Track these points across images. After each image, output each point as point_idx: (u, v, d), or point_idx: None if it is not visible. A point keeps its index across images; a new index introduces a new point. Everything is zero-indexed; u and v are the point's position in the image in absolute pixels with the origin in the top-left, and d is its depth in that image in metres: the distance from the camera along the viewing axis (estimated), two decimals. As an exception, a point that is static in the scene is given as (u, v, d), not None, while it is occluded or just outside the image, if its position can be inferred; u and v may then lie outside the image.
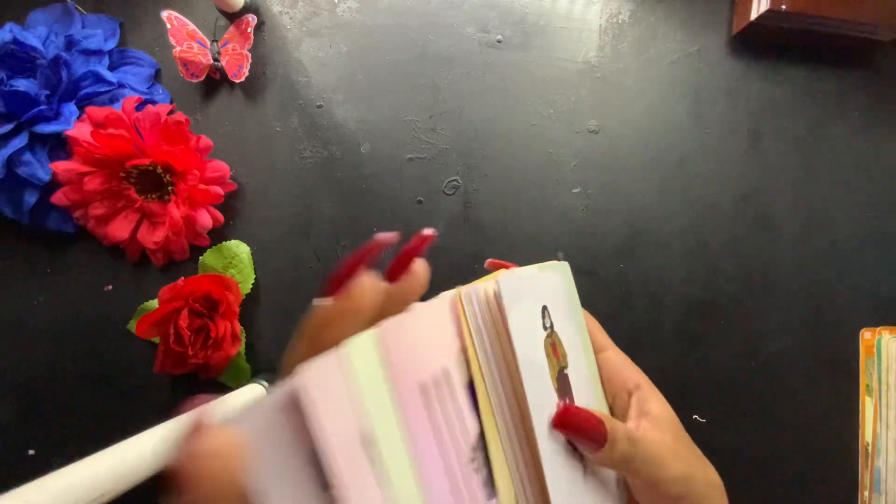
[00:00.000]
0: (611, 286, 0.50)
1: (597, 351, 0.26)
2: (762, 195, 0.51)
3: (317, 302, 0.15)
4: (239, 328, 0.45)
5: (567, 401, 0.21)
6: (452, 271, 0.49)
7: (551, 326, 0.23)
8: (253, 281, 0.47)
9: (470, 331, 0.19)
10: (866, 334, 0.51)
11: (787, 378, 0.51)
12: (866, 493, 0.50)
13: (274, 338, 0.47)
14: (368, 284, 0.15)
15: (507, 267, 0.26)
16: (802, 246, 0.52)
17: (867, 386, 0.51)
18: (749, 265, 0.51)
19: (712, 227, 0.51)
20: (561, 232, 0.50)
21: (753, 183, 0.51)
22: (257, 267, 0.47)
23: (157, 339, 0.44)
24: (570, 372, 0.24)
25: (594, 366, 0.26)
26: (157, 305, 0.43)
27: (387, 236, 0.17)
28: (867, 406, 0.51)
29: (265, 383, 0.44)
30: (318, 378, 0.13)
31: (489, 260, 0.27)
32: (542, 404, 0.20)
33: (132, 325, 0.46)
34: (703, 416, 0.50)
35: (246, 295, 0.46)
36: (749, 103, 0.51)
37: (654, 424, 0.23)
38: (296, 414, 0.13)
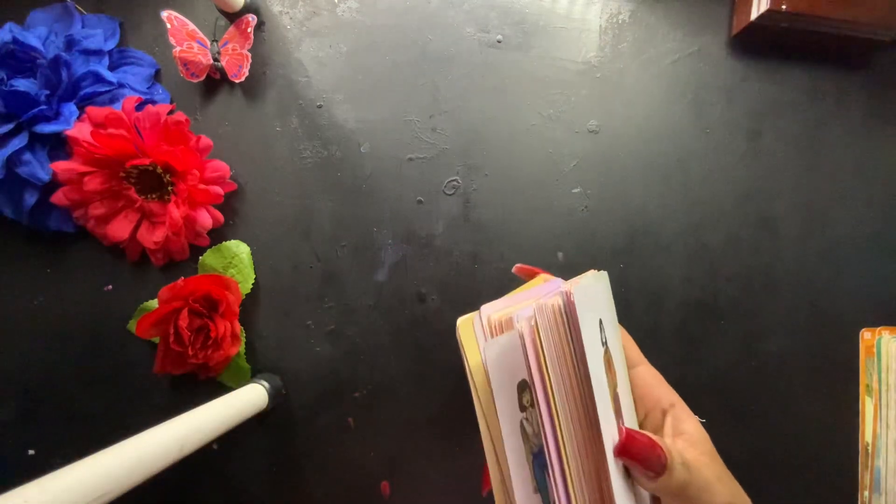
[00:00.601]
0: (611, 286, 0.50)
1: (630, 366, 0.26)
2: (762, 195, 0.51)
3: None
4: (239, 328, 0.45)
5: (621, 422, 0.20)
6: (453, 271, 0.49)
7: (606, 341, 0.22)
8: (253, 281, 0.47)
9: (543, 348, 0.18)
10: (866, 334, 0.51)
11: (787, 378, 0.51)
12: (866, 493, 0.50)
13: (274, 338, 0.48)
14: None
15: (536, 273, 0.26)
16: (802, 246, 0.52)
17: (867, 386, 0.51)
18: (749, 265, 0.51)
19: (712, 227, 0.51)
20: (561, 232, 0.50)
21: (753, 183, 0.51)
22: (257, 267, 0.47)
23: (156, 339, 0.44)
24: (620, 389, 0.23)
25: (629, 382, 0.25)
26: (157, 305, 0.43)
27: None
28: (867, 406, 0.51)
29: (265, 383, 0.44)
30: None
31: (517, 265, 0.26)
32: (609, 427, 0.19)
33: (132, 325, 0.46)
34: (703, 416, 0.50)
35: (246, 295, 0.46)
36: (749, 103, 0.51)
37: (690, 444, 0.22)
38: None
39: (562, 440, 0.18)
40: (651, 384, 0.25)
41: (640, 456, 0.19)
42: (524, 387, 0.19)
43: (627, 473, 0.20)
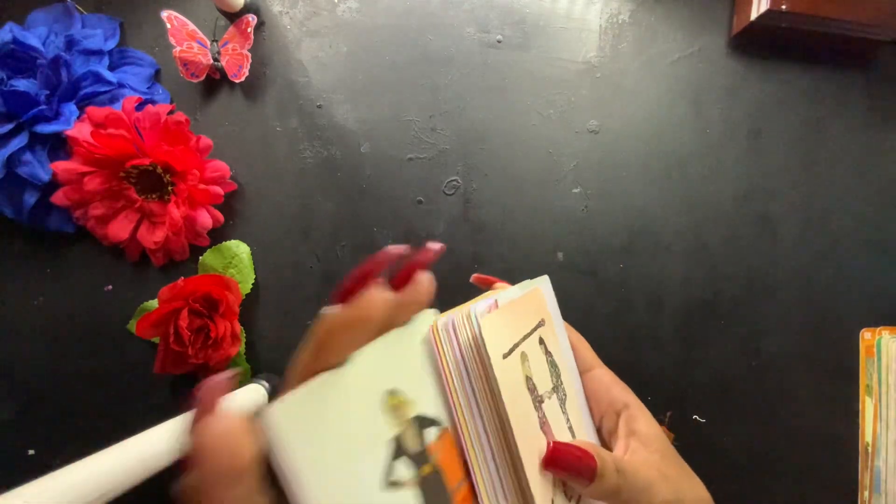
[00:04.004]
0: (611, 286, 0.50)
1: (585, 370, 0.26)
2: (762, 195, 0.51)
3: (326, 310, 0.15)
4: (239, 328, 0.45)
5: (550, 432, 0.21)
6: (452, 271, 0.49)
7: (545, 348, 0.22)
8: (253, 281, 0.47)
9: (448, 366, 0.18)
10: (866, 334, 0.51)
11: (787, 378, 0.51)
12: (866, 493, 0.50)
13: (274, 338, 0.47)
14: (378, 294, 0.15)
15: (491, 283, 0.26)
16: (802, 246, 0.52)
17: (867, 386, 0.51)
18: (749, 265, 0.51)
19: (712, 226, 0.51)
20: (561, 232, 0.50)
21: (753, 183, 0.51)
22: (257, 267, 0.47)
23: (157, 339, 0.44)
24: (570, 395, 0.23)
25: (580, 385, 0.25)
26: (157, 305, 0.43)
27: (396, 248, 0.17)
28: (867, 406, 0.51)
29: (265, 383, 0.44)
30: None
31: (474, 276, 0.26)
32: (532, 443, 0.19)
33: (132, 325, 0.46)
34: (703, 416, 0.50)
35: (246, 295, 0.46)
36: (749, 103, 0.51)
37: (641, 444, 0.23)
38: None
39: (471, 451, 0.18)
40: (606, 387, 0.25)
41: (569, 467, 0.20)
42: (525, 358, 0.21)
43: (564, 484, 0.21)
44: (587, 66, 0.50)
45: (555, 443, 0.20)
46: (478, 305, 0.19)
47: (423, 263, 0.17)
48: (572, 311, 0.49)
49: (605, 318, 0.50)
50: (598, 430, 0.25)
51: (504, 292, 0.23)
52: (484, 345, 0.18)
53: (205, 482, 0.12)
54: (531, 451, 0.19)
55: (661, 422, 0.50)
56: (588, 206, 0.50)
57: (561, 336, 0.25)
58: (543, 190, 0.50)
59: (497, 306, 0.20)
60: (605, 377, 0.26)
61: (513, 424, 0.18)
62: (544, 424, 0.21)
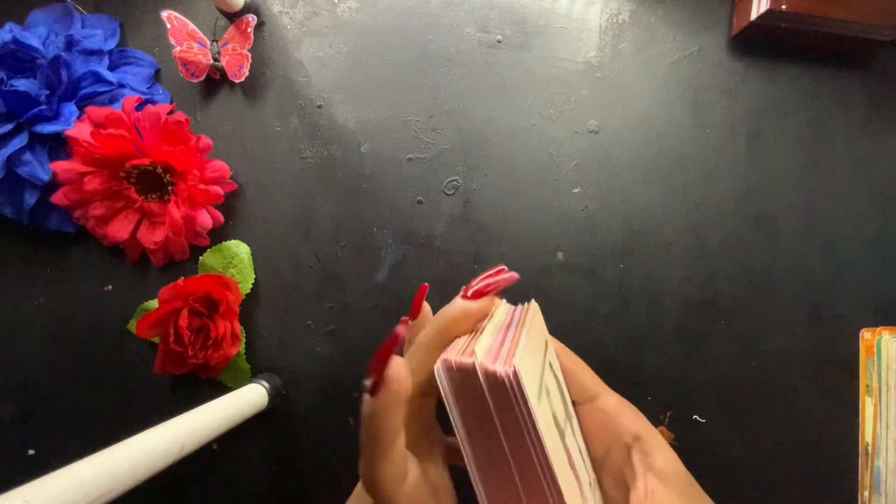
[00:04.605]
0: (611, 286, 0.50)
1: (589, 399, 0.24)
2: (762, 195, 0.51)
3: (366, 402, 0.18)
4: (239, 328, 0.45)
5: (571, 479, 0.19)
6: (452, 271, 0.49)
7: (554, 373, 0.22)
8: (253, 281, 0.47)
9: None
10: (866, 334, 0.51)
11: (787, 378, 0.51)
12: (866, 493, 0.50)
13: (274, 338, 0.48)
14: (402, 371, 0.18)
15: (488, 293, 0.24)
16: (802, 246, 0.52)
17: (867, 386, 0.51)
18: (749, 265, 0.51)
19: (712, 226, 0.51)
20: (561, 232, 0.50)
21: (753, 183, 0.51)
22: (257, 267, 0.47)
23: (156, 339, 0.44)
24: (566, 434, 0.21)
25: (575, 420, 0.23)
26: (157, 305, 0.43)
27: (403, 329, 0.19)
28: (867, 406, 0.51)
29: (265, 383, 0.44)
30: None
31: (472, 292, 0.25)
32: (572, 486, 0.18)
33: (132, 325, 0.46)
34: (703, 416, 0.50)
35: (246, 295, 0.46)
36: (749, 103, 0.51)
37: (662, 483, 0.20)
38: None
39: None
40: (611, 416, 0.23)
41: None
42: (547, 392, 0.20)
43: None
44: (587, 66, 0.50)
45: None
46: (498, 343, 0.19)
47: (397, 345, 0.18)
48: (572, 312, 0.49)
49: (605, 318, 0.50)
50: (602, 462, 0.23)
51: (497, 315, 0.22)
52: (524, 397, 0.17)
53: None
54: (574, 496, 0.18)
55: (660, 422, 0.50)
56: (588, 206, 0.50)
57: (555, 366, 0.24)
58: (543, 190, 0.50)
59: (517, 343, 0.19)
60: (609, 403, 0.23)
61: (556, 474, 0.17)
62: (570, 459, 0.19)
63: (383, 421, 0.18)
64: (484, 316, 0.21)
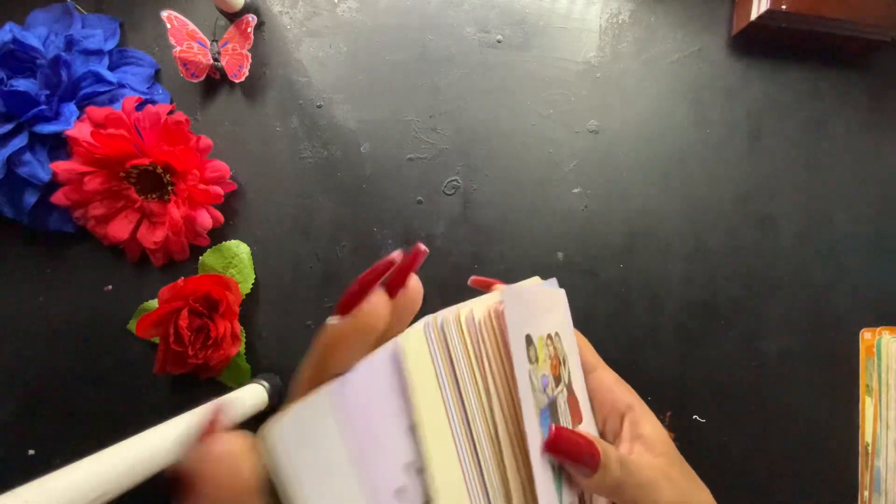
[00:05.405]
0: (611, 286, 0.50)
1: (587, 371, 0.25)
2: (762, 195, 0.51)
3: (330, 321, 0.15)
4: (239, 328, 0.45)
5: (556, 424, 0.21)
6: (452, 271, 0.49)
7: (564, 349, 0.22)
8: (253, 281, 0.47)
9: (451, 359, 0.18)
10: (866, 334, 0.51)
11: (786, 378, 0.51)
12: (866, 493, 0.50)
13: (274, 338, 0.47)
14: (379, 303, 0.15)
15: (490, 285, 0.25)
16: (802, 246, 0.52)
17: (867, 386, 0.51)
18: (749, 265, 0.51)
19: (712, 227, 0.51)
20: (561, 232, 0.50)
21: (753, 183, 0.51)
22: (257, 267, 0.47)
23: (157, 339, 0.44)
24: (580, 395, 0.23)
25: (585, 386, 0.25)
26: (157, 305, 0.43)
27: (393, 255, 0.16)
28: (867, 406, 0.51)
29: (265, 383, 0.44)
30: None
31: (473, 278, 0.26)
32: (535, 431, 0.19)
33: (132, 325, 0.46)
34: (703, 416, 0.50)
35: (246, 295, 0.46)
36: (749, 103, 0.51)
37: (647, 447, 0.22)
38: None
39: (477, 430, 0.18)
40: (607, 388, 0.25)
41: (571, 453, 0.19)
42: (529, 340, 0.20)
43: (570, 480, 0.20)
44: (587, 66, 0.50)
45: (558, 427, 0.20)
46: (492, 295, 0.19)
47: (413, 267, 0.17)
48: (572, 312, 0.49)
49: (606, 318, 0.50)
50: (601, 433, 0.25)
51: (527, 282, 0.23)
52: (507, 319, 0.18)
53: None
54: (538, 443, 0.19)
55: (661, 422, 0.50)
56: (588, 206, 0.50)
57: (572, 342, 0.25)
58: (543, 190, 0.50)
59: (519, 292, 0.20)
60: (607, 378, 0.25)
61: (524, 411, 0.18)
62: (554, 415, 0.21)
63: (336, 351, 0.14)
64: (373, 329, 0.15)
